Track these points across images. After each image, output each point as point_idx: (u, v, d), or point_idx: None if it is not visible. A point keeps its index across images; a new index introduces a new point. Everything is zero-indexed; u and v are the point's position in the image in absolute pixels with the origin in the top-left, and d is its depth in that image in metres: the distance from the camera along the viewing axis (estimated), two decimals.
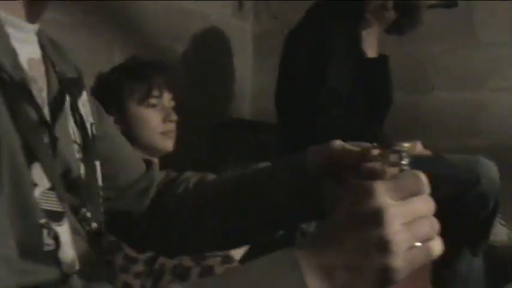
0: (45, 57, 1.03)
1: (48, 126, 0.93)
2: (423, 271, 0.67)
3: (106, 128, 1.25)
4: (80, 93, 1.11)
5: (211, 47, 3.89)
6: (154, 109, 2.46)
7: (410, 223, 0.78)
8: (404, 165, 0.85)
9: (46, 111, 0.95)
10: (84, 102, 1.12)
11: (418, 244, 0.78)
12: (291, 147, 2.83)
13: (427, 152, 2.82)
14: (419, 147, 2.82)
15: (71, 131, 1.03)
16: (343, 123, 2.65)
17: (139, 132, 2.43)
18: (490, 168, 2.53)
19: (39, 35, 1.03)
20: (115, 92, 2.43)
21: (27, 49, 0.97)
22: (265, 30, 4.13)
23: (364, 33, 2.90)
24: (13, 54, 0.90)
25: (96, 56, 3.19)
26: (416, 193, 0.80)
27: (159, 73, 2.49)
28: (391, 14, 2.90)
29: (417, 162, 2.82)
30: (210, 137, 3.69)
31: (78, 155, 1.04)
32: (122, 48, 3.34)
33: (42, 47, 1.03)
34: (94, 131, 1.13)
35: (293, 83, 2.77)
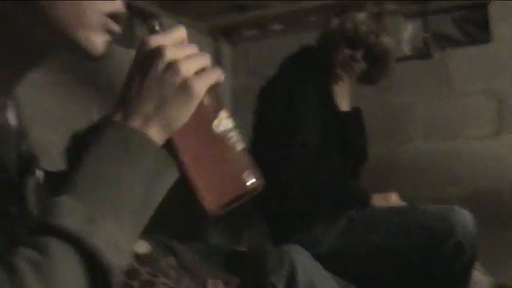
0: (19, 124, 1.03)
1: (16, 186, 0.93)
2: None
3: None
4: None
5: None
6: None
7: (188, 55, 0.88)
8: None
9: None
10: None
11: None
12: (265, 200, 2.83)
13: (402, 203, 2.84)
14: (394, 199, 2.85)
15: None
16: (316, 174, 2.66)
17: None
18: (464, 217, 2.53)
19: (13, 100, 1.02)
20: None
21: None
22: (243, 85, 4.16)
23: (335, 86, 2.93)
24: None
25: (73, 116, 3.19)
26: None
27: None
28: (361, 65, 2.92)
29: (392, 213, 2.83)
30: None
31: None
32: (99, 108, 3.35)
33: (17, 114, 1.03)
34: None
35: (266, 136, 2.78)
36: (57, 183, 0.83)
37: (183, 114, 0.86)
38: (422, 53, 3.98)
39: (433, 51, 3.95)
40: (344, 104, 2.98)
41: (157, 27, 0.94)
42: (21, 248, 0.73)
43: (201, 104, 0.87)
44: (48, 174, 1.08)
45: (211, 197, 0.90)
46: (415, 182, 3.72)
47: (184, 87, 0.86)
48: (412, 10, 4.07)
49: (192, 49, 0.90)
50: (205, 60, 0.90)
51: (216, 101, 0.91)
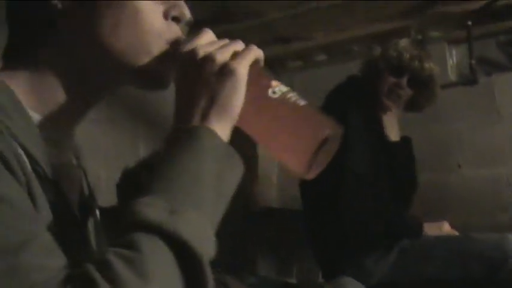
0: (79, 164, 1.05)
1: (79, 225, 0.95)
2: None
3: None
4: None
5: (236, 136, 3.92)
6: None
7: (220, 45, 0.92)
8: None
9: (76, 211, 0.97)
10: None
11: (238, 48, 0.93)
12: (315, 231, 2.81)
13: (454, 232, 2.80)
14: (447, 228, 2.80)
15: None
16: (367, 204, 2.64)
17: None
18: None
19: (73, 140, 1.05)
20: (136, 188, 2.45)
21: (60, 153, 0.98)
22: None
23: (384, 116, 2.91)
24: (47, 155, 0.90)
25: (120, 149, 3.23)
26: None
27: None
28: (407, 92, 2.90)
29: (446, 243, 2.78)
30: (237, 226, 3.68)
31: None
32: (146, 142, 3.38)
33: (75, 153, 1.05)
34: None
35: None
36: (112, 219, 0.83)
37: (235, 97, 0.88)
38: (468, 79, 3.94)
39: (479, 77, 3.91)
40: (393, 133, 2.96)
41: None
42: (110, 249, 0.73)
43: (249, 82, 0.90)
44: (102, 210, 1.09)
45: (296, 159, 0.91)
46: (466, 210, 3.67)
47: (226, 71, 0.88)
48: (456, 36, 4.05)
49: (222, 41, 0.93)
50: (238, 45, 0.93)
51: (263, 74, 0.93)
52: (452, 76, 4.04)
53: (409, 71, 2.88)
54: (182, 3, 0.99)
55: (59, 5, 0.93)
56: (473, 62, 3.89)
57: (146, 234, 0.73)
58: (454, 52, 4.09)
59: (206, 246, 0.77)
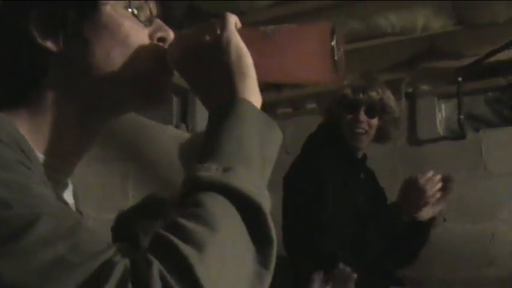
0: (76, 206, 1.06)
1: None
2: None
3: None
4: None
5: None
6: None
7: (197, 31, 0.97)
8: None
9: None
10: None
11: None
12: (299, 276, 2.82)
13: None
14: None
15: None
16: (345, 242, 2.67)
17: None
18: None
19: (73, 181, 1.05)
20: (130, 231, 2.49)
21: (62, 194, 0.98)
22: (277, 163, 4.18)
23: (358, 153, 2.97)
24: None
25: (110, 189, 3.23)
26: None
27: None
28: (370, 124, 2.92)
29: None
30: None
31: None
32: (135, 182, 3.38)
33: (74, 194, 1.06)
34: None
35: (296, 214, 2.80)
36: None
37: (244, 59, 0.93)
38: (456, 134, 3.99)
39: (467, 132, 3.96)
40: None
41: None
42: (175, 211, 0.77)
43: (245, 40, 0.95)
44: None
45: (322, 69, 0.96)
46: (451, 264, 3.68)
47: (223, 44, 0.93)
48: (446, 91, 4.11)
49: (200, 26, 0.98)
50: (215, 22, 0.96)
51: (249, 28, 0.98)
52: (440, 130, 4.09)
53: (362, 103, 2.91)
54: (165, 25, 1.04)
55: (53, 47, 0.95)
56: (461, 117, 3.94)
57: (206, 192, 0.78)
58: (443, 106, 4.15)
59: (261, 197, 0.81)
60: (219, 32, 0.94)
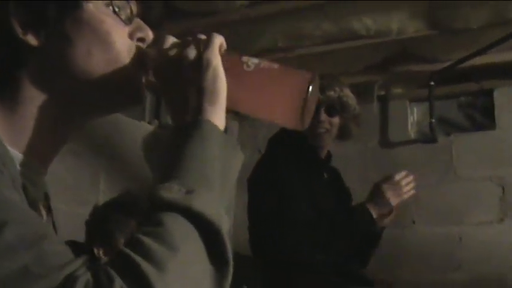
0: (48, 204, 1.05)
1: None
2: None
3: None
4: None
5: None
6: None
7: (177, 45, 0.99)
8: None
9: None
10: None
11: None
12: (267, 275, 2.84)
13: None
14: None
15: None
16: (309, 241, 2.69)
17: None
18: None
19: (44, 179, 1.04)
20: (105, 226, 2.49)
21: (36, 191, 0.97)
22: (250, 163, 4.18)
23: (321, 152, 2.99)
24: (26, 194, 0.91)
25: (81, 182, 3.22)
26: None
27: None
28: (332, 123, 2.93)
29: None
30: None
31: None
32: (106, 176, 3.37)
33: (45, 194, 1.05)
34: None
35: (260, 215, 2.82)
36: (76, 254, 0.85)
37: (219, 83, 0.94)
38: (427, 138, 4.02)
39: (438, 136, 4.00)
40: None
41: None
42: (138, 230, 0.80)
43: (224, 66, 0.96)
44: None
45: (290, 114, 0.97)
46: (418, 266, 3.71)
47: (202, 64, 0.95)
48: (418, 95, 4.14)
49: (186, 39, 1.00)
50: (200, 37, 0.98)
51: (232, 55, 0.99)
52: (412, 133, 4.13)
53: (322, 103, 2.91)
54: (145, 25, 1.05)
55: (33, 42, 0.94)
56: (433, 121, 3.98)
57: (167, 212, 0.80)
58: (415, 110, 4.18)
59: (221, 220, 0.83)
60: (202, 50, 0.95)
